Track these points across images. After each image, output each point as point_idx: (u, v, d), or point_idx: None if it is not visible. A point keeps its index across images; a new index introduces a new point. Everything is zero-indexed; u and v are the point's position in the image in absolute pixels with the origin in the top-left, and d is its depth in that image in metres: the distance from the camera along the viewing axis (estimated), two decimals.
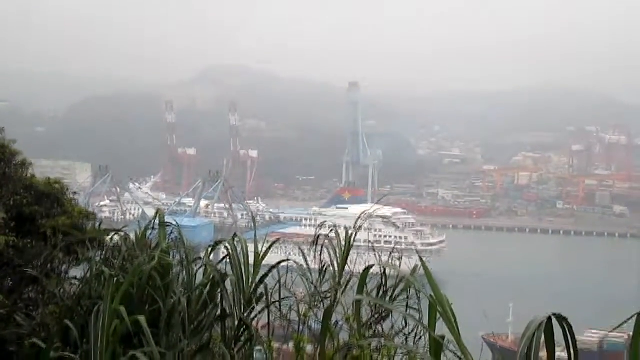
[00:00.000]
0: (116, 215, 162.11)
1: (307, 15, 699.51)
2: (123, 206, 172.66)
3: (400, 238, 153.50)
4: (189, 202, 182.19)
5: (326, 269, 6.42)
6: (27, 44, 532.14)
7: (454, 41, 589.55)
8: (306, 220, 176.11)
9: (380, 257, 6.49)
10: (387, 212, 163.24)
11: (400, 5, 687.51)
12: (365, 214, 7.08)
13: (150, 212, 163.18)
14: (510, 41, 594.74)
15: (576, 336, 3.68)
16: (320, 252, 6.40)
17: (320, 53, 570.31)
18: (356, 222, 6.72)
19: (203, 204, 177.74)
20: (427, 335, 4.12)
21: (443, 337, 3.83)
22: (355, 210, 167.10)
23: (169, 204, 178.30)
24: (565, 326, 3.52)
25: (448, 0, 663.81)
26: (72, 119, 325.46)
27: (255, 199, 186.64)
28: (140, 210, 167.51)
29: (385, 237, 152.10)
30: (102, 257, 6.60)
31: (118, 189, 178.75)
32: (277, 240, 6.91)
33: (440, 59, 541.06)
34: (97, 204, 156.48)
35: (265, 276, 5.97)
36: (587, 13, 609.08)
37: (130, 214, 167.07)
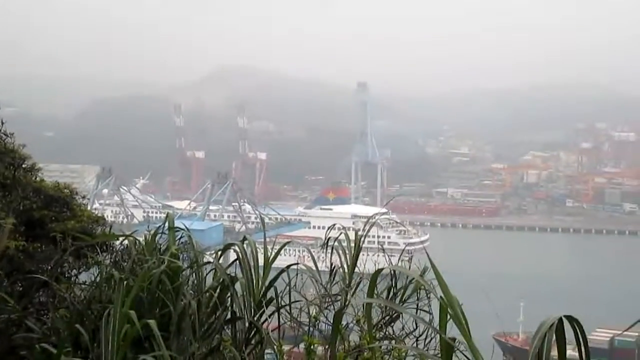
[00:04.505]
0: (119, 217, 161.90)
1: (314, 16, 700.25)
2: (127, 209, 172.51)
3: (383, 237, 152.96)
4: (177, 204, 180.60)
5: (336, 271, 6.43)
6: (35, 48, 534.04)
7: (462, 39, 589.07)
8: (296, 221, 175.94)
9: (390, 258, 6.50)
10: (369, 211, 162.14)
11: (408, 4, 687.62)
12: (376, 215, 7.08)
13: (138, 214, 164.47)
14: (519, 39, 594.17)
15: (586, 334, 3.68)
16: (331, 254, 6.42)
17: (328, 53, 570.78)
18: (366, 223, 6.74)
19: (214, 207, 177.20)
20: (438, 337, 4.11)
21: (454, 339, 3.82)
22: (339, 210, 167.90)
23: (158, 206, 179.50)
24: (576, 326, 3.53)
25: None
26: (80, 122, 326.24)
27: (242, 200, 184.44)
28: (130, 213, 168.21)
29: (368, 236, 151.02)
30: (112, 260, 6.62)
31: (121, 190, 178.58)
32: (287, 242, 6.94)
33: (448, 58, 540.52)
34: (101, 206, 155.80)
35: (275, 278, 5.98)
36: (598, 9, 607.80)
37: (129, 215, 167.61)
